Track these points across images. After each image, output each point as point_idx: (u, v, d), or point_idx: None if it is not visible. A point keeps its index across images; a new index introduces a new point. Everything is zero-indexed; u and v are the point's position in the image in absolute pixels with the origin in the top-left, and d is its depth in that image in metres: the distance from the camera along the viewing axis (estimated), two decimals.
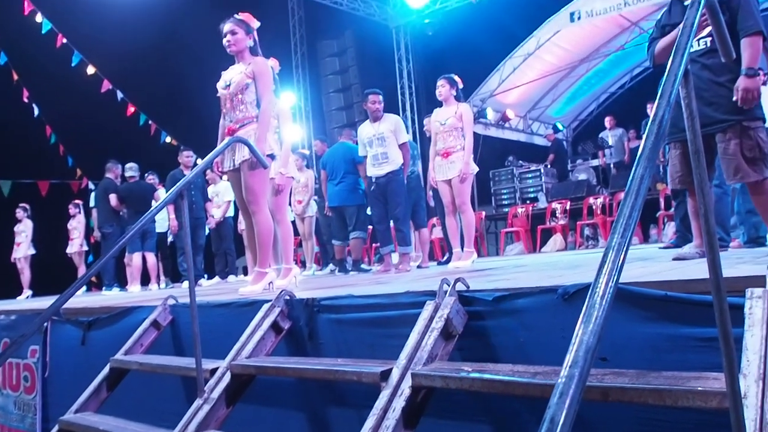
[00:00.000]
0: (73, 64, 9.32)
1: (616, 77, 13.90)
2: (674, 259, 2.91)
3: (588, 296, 0.84)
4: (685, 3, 2.86)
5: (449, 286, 2.15)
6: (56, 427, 2.88)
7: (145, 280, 7.94)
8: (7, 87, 9.24)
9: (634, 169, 0.98)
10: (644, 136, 1.04)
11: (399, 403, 1.85)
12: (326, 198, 6.68)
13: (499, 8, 12.20)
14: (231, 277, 8.10)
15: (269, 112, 3.77)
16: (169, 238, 8.43)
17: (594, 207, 9.23)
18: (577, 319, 1.82)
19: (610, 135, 10.74)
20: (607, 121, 10.89)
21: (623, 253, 0.86)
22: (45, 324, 3.75)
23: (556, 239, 9.27)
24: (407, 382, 1.90)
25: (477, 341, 2.09)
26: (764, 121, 2.98)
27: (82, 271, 9.14)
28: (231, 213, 8.34)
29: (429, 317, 2.07)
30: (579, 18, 10.57)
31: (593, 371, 1.38)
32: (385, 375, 1.95)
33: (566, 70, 12.68)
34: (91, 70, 9.56)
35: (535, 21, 11.40)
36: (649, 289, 1.66)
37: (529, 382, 1.61)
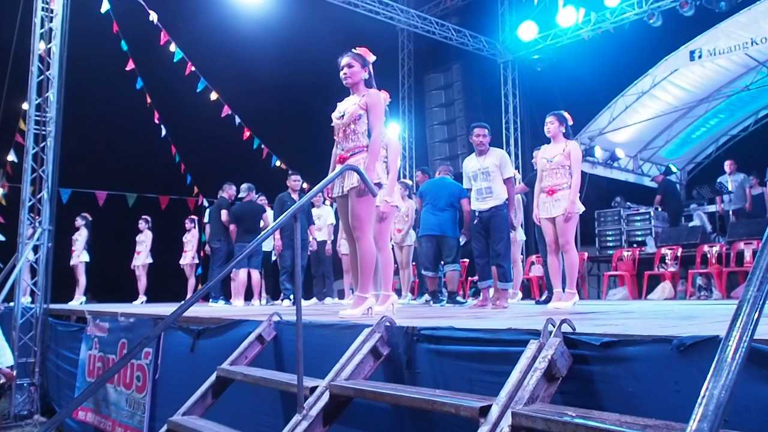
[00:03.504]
0: (198, 90, 10.06)
1: (739, 119, 13.10)
2: None
3: (719, 349, 0.81)
4: None
5: (554, 326, 2.10)
6: (165, 427, 3.03)
7: (247, 296, 8.26)
8: (141, 109, 10.13)
9: None
10: None
11: None
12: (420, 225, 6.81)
13: (613, 45, 11.94)
14: (328, 300, 8.27)
15: (379, 142, 3.88)
16: (273, 257, 8.73)
17: (709, 255, 8.61)
18: (693, 373, 1.75)
19: (730, 180, 10.08)
20: (727, 165, 10.23)
21: (759, 307, 0.82)
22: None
23: (665, 287, 8.75)
24: (506, 421, 1.86)
25: (581, 386, 2.03)
26: None
27: (192, 282, 9.68)
28: (330, 237, 8.55)
29: (532, 357, 2.03)
30: (700, 56, 10.11)
31: None
32: (485, 411, 1.92)
33: (683, 110, 12.13)
34: (213, 96, 10.27)
35: (651, 58, 11.04)
36: None
37: None
